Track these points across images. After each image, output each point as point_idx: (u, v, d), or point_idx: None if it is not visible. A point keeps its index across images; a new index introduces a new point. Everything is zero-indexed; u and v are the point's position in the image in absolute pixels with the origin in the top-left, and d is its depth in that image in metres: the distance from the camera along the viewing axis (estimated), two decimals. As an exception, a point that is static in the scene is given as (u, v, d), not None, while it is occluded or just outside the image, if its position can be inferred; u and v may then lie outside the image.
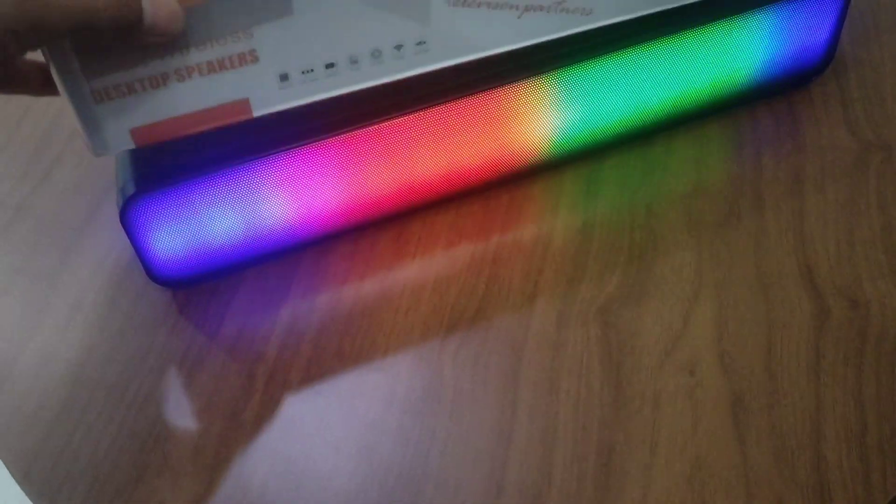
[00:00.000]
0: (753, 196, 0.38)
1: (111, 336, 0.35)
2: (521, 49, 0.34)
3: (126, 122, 0.29)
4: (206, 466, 0.31)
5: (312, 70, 0.31)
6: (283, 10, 0.29)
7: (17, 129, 0.44)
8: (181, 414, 0.33)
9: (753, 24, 0.38)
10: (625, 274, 0.36)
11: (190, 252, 0.35)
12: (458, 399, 0.32)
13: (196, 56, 0.29)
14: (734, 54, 0.39)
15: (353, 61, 0.32)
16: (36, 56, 0.27)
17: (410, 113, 0.35)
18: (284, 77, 0.31)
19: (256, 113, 0.31)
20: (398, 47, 0.32)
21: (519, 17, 0.34)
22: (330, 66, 0.31)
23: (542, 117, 0.37)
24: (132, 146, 0.30)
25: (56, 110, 0.44)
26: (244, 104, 0.31)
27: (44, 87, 0.29)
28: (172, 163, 0.33)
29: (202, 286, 0.36)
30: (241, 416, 0.32)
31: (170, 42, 0.28)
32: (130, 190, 0.32)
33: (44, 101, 0.44)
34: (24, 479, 0.31)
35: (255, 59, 0.30)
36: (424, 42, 0.33)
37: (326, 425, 0.32)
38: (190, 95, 0.30)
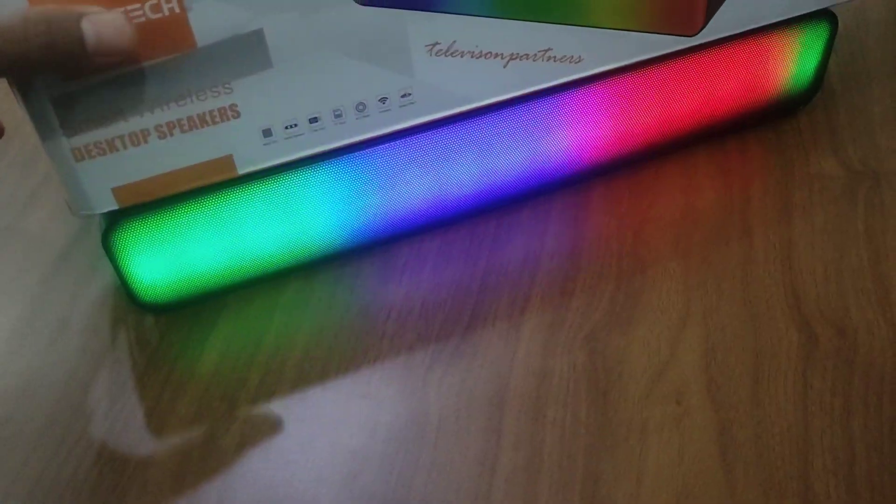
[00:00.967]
0: (741, 224, 0.39)
1: (93, 360, 0.36)
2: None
3: (108, 180, 0.31)
4: (187, 492, 0.32)
5: (296, 125, 0.33)
6: (262, 63, 0.31)
7: (4, 151, 0.46)
8: (162, 439, 0.33)
9: (740, 52, 0.39)
10: (612, 301, 0.36)
11: (173, 276, 0.36)
12: (443, 427, 0.33)
13: (176, 111, 0.30)
14: (721, 82, 0.40)
15: (338, 115, 0.33)
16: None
17: (399, 138, 0.35)
18: (268, 132, 0.32)
19: (241, 170, 0.33)
20: (382, 100, 0.33)
21: (504, 67, 0.35)
22: (314, 120, 0.33)
23: (526, 143, 0.38)
24: (115, 206, 0.32)
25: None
26: (228, 161, 0.32)
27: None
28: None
29: (185, 310, 0.37)
30: (221, 442, 0.33)
31: (124, 61, 0.28)
32: (113, 213, 0.33)
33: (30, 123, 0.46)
34: (3, 502, 0.32)
35: (237, 115, 0.31)
36: (409, 94, 0.34)
37: (309, 452, 0.33)
38: (172, 153, 0.31)
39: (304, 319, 0.37)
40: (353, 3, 0.31)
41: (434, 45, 0.33)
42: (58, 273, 0.39)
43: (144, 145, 0.31)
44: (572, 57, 0.35)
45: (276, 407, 0.34)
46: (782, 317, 0.35)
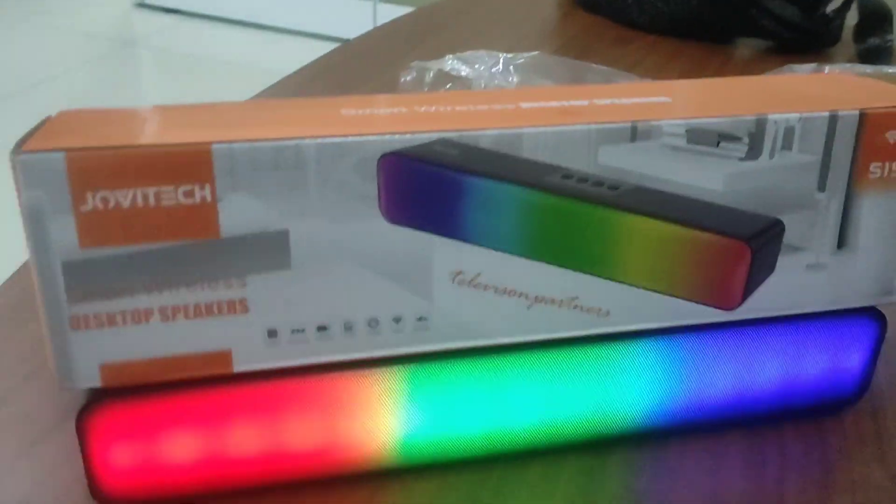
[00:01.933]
0: (773, 523, 0.35)
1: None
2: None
3: (98, 355, 0.30)
4: None
5: (303, 330, 0.31)
6: (282, 263, 0.30)
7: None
8: None
9: (779, 337, 0.37)
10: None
11: (146, 474, 0.33)
12: None
13: (185, 296, 0.30)
14: (757, 365, 0.38)
15: (348, 328, 0.32)
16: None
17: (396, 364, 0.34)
18: (273, 333, 0.31)
19: (237, 368, 0.31)
20: (397, 320, 0.32)
21: (528, 308, 0.34)
22: (322, 328, 0.32)
23: (538, 395, 0.36)
24: (98, 384, 0.30)
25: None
26: (226, 356, 0.31)
27: None
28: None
29: None
30: None
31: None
32: (95, 392, 0.31)
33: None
34: None
35: (245, 310, 0.30)
36: (425, 319, 0.33)
37: None
38: (171, 337, 0.30)
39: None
40: (382, 219, 0.31)
41: (458, 273, 0.32)
42: (33, 451, 0.37)
43: (145, 324, 0.30)
44: (600, 309, 0.34)
45: None
46: None
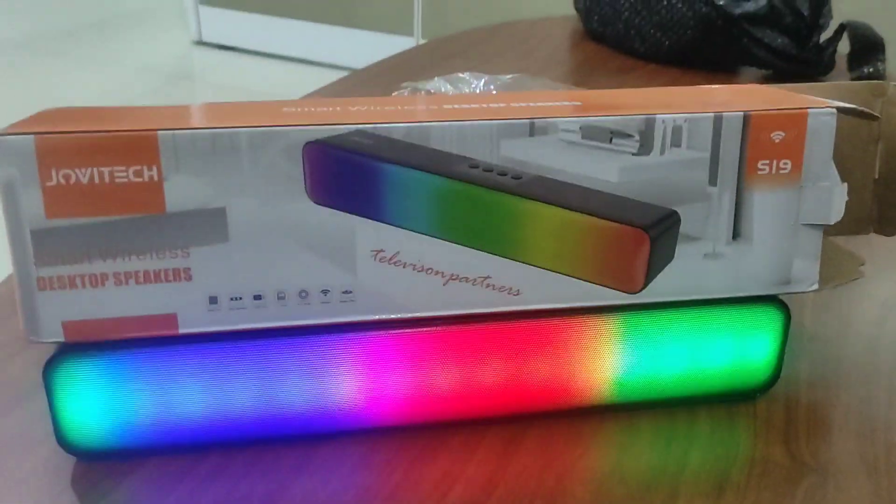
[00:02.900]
0: (669, 489, 0.38)
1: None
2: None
3: (61, 313, 0.35)
4: None
5: (241, 298, 0.36)
6: (220, 236, 0.35)
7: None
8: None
9: (685, 322, 0.40)
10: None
11: (106, 424, 0.37)
12: None
13: (136, 263, 0.35)
14: (665, 349, 0.41)
15: (281, 297, 0.37)
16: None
17: (336, 333, 0.38)
18: (214, 300, 0.36)
19: (182, 329, 0.36)
20: (325, 292, 0.37)
21: (444, 286, 0.38)
22: (258, 297, 0.36)
23: (462, 366, 0.40)
24: (61, 339, 0.35)
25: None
26: (172, 319, 0.36)
27: None
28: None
29: (104, 463, 0.38)
30: None
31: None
32: (61, 348, 0.35)
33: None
34: None
35: (189, 278, 0.35)
36: (351, 292, 0.37)
37: None
38: (124, 300, 0.35)
39: (205, 496, 0.37)
40: (309, 200, 0.35)
41: (379, 251, 0.36)
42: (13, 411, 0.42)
43: (101, 288, 0.35)
44: (511, 289, 0.38)
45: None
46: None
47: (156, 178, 0.34)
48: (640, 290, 0.39)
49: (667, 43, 0.94)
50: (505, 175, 0.37)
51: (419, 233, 0.37)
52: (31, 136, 0.33)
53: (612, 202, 0.38)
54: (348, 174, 0.35)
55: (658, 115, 0.37)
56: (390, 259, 0.37)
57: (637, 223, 0.37)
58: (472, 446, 0.40)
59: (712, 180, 0.38)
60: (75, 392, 0.37)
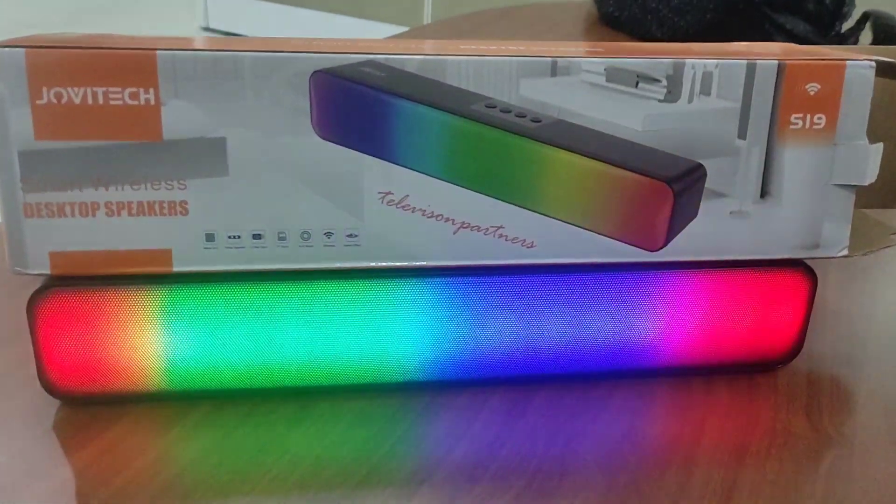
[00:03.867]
0: (685, 457, 0.35)
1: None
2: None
3: (48, 243, 0.33)
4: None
5: (239, 237, 0.34)
6: (220, 170, 0.33)
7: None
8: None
9: (707, 283, 0.38)
10: (517, 499, 0.33)
11: (93, 366, 0.35)
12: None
13: (129, 194, 0.32)
14: (684, 312, 0.39)
15: (282, 237, 0.34)
16: None
17: (337, 279, 0.36)
18: (210, 237, 0.34)
19: (177, 267, 0.34)
20: (328, 234, 0.35)
21: (454, 234, 0.36)
22: (257, 237, 0.34)
23: (468, 321, 0.37)
24: (47, 271, 0.33)
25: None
26: (166, 255, 0.34)
27: None
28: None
29: (89, 408, 0.36)
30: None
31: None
32: (46, 282, 0.33)
33: None
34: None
35: (185, 212, 0.33)
36: (356, 235, 0.35)
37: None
38: (115, 232, 0.33)
39: (194, 444, 0.35)
40: (315, 135, 0.33)
41: (387, 194, 0.34)
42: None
43: (91, 218, 0.33)
44: (525, 241, 0.36)
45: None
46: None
47: (153, 101, 0.32)
48: (661, 248, 0.37)
49: (685, 26, 0.92)
50: (523, 117, 0.34)
51: (430, 175, 0.34)
52: (22, 50, 0.31)
53: (634, 151, 0.36)
54: (357, 108, 0.33)
55: (688, 60, 0.35)
56: (399, 203, 0.35)
57: (660, 175, 0.35)
58: (478, 405, 0.38)
59: (742, 133, 0.36)
60: (60, 329, 0.35)
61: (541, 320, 0.38)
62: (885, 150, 0.39)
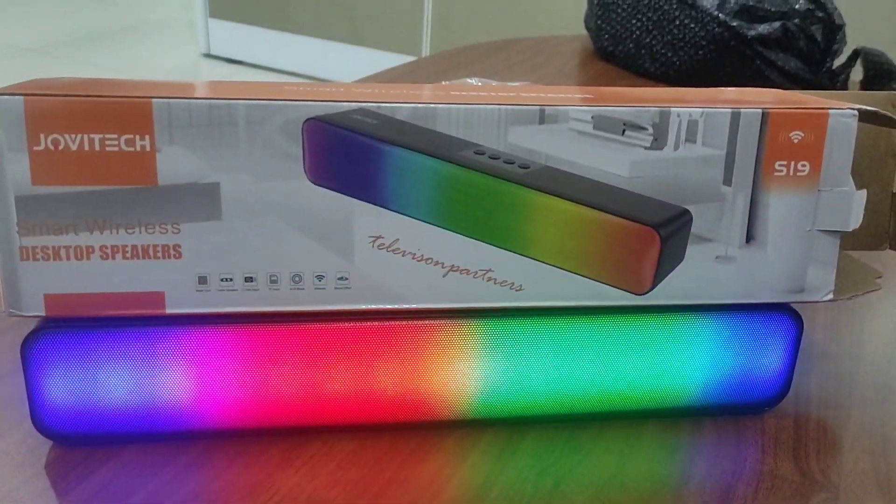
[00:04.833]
0: (672, 499, 0.36)
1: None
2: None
3: (43, 285, 0.33)
4: None
5: (232, 279, 0.35)
6: (213, 213, 0.33)
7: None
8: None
9: (693, 328, 0.39)
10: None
11: (85, 406, 0.35)
12: None
13: (123, 238, 0.33)
14: (669, 355, 0.39)
15: (273, 280, 0.35)
16: None
17: (330, 321, 0.36)
18: (203, 280, 0.34)
19: (169, 310, 0.34)
20: (319, 277, 0.35)
21: (444, 277, 0.36)
22: (249, 279, 0.35)
23: (465, 366, 0.38)
24: (42, 313, 0.33)
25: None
26: (159, 297, 0.34)
27: None
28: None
29: (81, 448, 0.36)
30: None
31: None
32: (41, 323, 0.34)
33: None
34: None
35: (178, 255, 0.34)
36: (346, 279, 0.36)
37: None
38: (109, 275, 0.33)
39: (185, 485, 0.35)
40: (307, 180, 0.34)
41: (377, 238, 0.35)
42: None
43: (86, 261, 0.33)
44: (513, 284, 0.36)
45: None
46: None
47: (148, 148, 0.33)
48: (648, 292, 0.37)
49: (678, 63, 0.93)
50: (512, 164, 0.35)
51: (420, 220, 0.35)
52: (21, 97, 0.31)
53: (622, 197, 0.36)
54: (349, 154, 0.34)
55: (673, 108, 0.35)
56: (389, 246, 0.35)
57: (647, 221, 0.36)
58: (468, 446, 0.38)
59: (727, 179, 0.36)
60: (54, 370, 0.35)
61: (529, 363, 0.38)
62: (870, 192, 0.40)
